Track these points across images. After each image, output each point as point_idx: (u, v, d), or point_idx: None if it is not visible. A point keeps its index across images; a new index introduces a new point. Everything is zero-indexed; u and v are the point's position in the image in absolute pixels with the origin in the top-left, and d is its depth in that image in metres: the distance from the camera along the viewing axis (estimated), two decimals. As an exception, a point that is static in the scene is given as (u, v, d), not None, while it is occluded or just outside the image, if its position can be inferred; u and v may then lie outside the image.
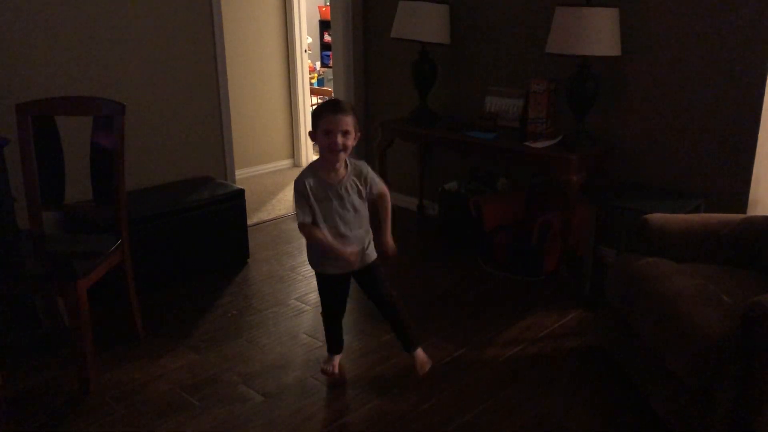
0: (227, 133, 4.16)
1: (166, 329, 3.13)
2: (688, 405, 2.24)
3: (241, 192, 3.84)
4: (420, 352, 2.68)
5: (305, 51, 5.92)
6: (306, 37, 5.95)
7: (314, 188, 2.40)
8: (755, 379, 2.07)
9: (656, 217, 2.81)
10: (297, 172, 5.87)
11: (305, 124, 6.04)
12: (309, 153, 6.17)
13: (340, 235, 2.43)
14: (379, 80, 4.83)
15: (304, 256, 3.99)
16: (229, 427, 2.43)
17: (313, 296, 3.48)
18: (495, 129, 3.91)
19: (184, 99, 3.91)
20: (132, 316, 2.99)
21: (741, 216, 2.84)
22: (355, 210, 2.47)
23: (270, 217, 4.75)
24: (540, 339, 3.05)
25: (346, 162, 2.44)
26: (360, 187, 2.47)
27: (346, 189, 2.43)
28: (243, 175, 5.55)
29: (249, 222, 4.22)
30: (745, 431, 2.12)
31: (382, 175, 4.39)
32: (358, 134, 2.42)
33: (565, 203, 3.50)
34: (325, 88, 7.45)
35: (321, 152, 2.43)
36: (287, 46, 5.80)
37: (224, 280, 3.68)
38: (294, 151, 6.12)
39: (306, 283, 3.64)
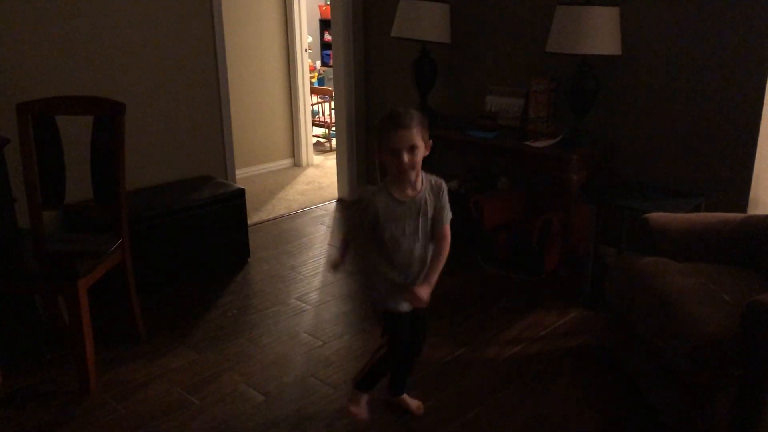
0: (227, 132, 4.16)
1: (167, 329, 3.13)
2: (688, 405, 2.24)
3: (242, 191, 3.84)
4: (406, 397, 2.54)
5: (305, 50, 5.92)
6: (306, 37, 5.95)
7: (383, 208, 2.13)
8: (755, 379, 2.07)
9: (657, 216, 2.80)
10: (297, 171, 5.99)
11: (305, 123, 6.05)
12: (309, 153, 6.18)
13: (396, 267, 2.18)
14: (380, 79, 4.83)
15: (305, 256, 4.01)
16: (230, 427, 2.43)
17: (314, 295, 3.48)
18: (495, 128, 3.91)
19: (184, 99, 3.91)
20: (132, 315, 2.99)
21: (742, 215, 2.84)
22: (422, 236, 2.18)
23: (270, 216, 4.75)
24: (540, 338, 3.05)
25: (421, 177, 2.18)
26: (433, 207, 2.19)
27: (421, 207, 2.16)
28: (243, 174, 5.55)
29: (249, 221, 4.22)
30: (745, 431, 2.11)
31: (382, 174, 4.39)
32: (429, 143, 2.14)
33: (566, 202, 3.50)
34: (325, 87, 7.45)
35: (390, 172, 2.16)
36: (287, 46, 5.80)
37: (224, 279, 3.68)
38: (294, 151, 6.12)
39: (306, 282, 3.64)
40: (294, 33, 5.75)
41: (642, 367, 2.53)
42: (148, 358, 2.87)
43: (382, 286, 2.22)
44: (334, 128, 5.67)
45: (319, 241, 4.25)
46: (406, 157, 2.07)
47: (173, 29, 3.78)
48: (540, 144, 3.57)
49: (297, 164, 6.13)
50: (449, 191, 2.22)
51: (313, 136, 6.56)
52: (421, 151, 2.12)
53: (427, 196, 2.19)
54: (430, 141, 2.16)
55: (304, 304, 3.39)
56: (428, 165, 2.23)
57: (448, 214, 2.23)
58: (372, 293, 2.27)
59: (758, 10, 3.07)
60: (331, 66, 6.16)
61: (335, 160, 5.24)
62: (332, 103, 6.30)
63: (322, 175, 5.83)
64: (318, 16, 8.22)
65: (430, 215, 2.19)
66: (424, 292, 2.14)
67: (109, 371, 2.77)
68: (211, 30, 3.95)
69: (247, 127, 5.58)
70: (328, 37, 7.99)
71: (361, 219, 2.18)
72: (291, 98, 5.95)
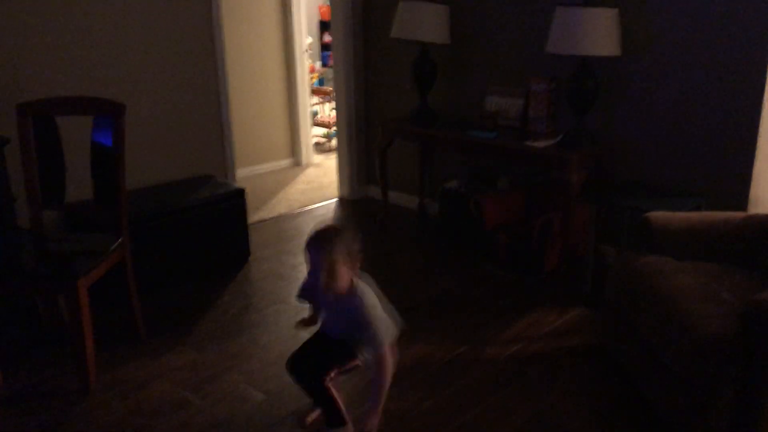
0: (228, 132, 4.16)
1: (167, 328, 3.13)
2: (688, 404, 2.24)
3: (242, 191, 3.84)
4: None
5: (305, 51, 5.92)
6: (306, 37, 5.95)
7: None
8: (755, 379, 2.07)
9: (657, 215, 2.80)
10: (297, 171, 5.99)
11: (305, 123, 6.05)
12: (309, 152, 6.18)
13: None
14: (379, 80, 4.83)
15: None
16: (230, 426, 2.43)
17: (314, 295, 3.48)
18: (495, 128, 3.90)
19: (185, 98, 3.91)
20: (133, 314, 2.99)
21: (742, 214, 2.84)
22: (343, 334, 2.18)
23: (270, 215, 4.76)
24: (540, 338, 3.05)
25: (352, 286, 2.10)
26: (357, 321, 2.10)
27: (345, 311, 2.12)
28: (243, 174, 5.55)
29: (250, 221, 4.22)
30: (745, 431, 2.12)
31: (383, 174, 4.40)
32: (357, 258, 2.07)
33: (566, 202, 3.50)
34: (325, 87, 7.45)
35: None
36: (287, 46, 5.81)
37: (225, 278, 3.68)
38: (294, 151, 6.12)
39: (306, 282, 3.64)
40: (294, 34, 5.75)
41: (642, 367, 2.53)
42: (148, 358, 2.87)
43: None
44: (334, 128, 5.68)
45: (319, 241, 4.25)
46: (323, 276, 2.01)
47: (173, 30, 3.78)
48: (540, 144, 3.57)
49: (297, 164, 6.14)
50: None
51: (314, 136, 6.56)
52: (341, 272, 2.02)
53: (352, 307, 2.09)
54: (361, 254, 2.07)
55: (304, 303, 3.38)
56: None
57: (376, 338, 2.07)
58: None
59: (758, 10, 3.07)
60: (330, 67, 6.16)
61: (335, 160, 5.24)
62: (332, 103, 6.31)
63: (322, 175, 5.83)
64: (318, 17, 8.22)
65: (354, 323, 2.09)
66: (371, 424, 2.17)
67: (109, 371, 2.77)
68: (211, 30, 3.95)
69: (247, 127, 5.58)
70: (327, 37, 7.99)
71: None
72: (291, 99, 5.95)
